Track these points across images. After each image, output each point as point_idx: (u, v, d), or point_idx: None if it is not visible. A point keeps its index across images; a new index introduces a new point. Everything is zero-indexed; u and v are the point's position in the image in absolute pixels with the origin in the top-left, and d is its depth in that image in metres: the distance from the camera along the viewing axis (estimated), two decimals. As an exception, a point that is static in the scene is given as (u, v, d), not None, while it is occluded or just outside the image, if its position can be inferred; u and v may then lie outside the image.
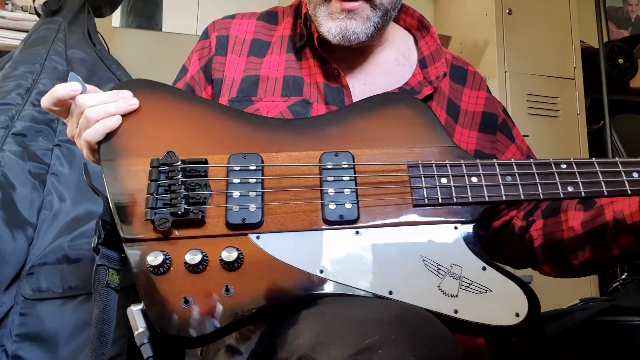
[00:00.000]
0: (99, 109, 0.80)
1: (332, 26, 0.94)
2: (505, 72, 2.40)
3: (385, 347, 0.56)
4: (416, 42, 1.10)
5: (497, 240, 1.05)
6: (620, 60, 2.73)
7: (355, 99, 0.98)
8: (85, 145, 0.80)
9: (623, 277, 1.86)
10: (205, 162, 0.76)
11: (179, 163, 0.75)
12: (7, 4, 1.94)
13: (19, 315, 1.29)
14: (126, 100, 0.82)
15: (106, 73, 1.68)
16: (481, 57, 2.51)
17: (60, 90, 0.82)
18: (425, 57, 1.06)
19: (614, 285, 1.70)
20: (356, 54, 1.04)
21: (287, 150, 0.79)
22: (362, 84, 1.02)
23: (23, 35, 1.79)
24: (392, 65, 1.06)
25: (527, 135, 2.30)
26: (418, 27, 1.12)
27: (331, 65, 0.99)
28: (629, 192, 0.76)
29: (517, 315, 0.67)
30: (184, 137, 0.80)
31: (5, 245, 1.29)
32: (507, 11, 2.45)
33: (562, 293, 2.18)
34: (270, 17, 1.10)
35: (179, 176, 0.74)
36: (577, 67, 2.51)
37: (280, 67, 1.02)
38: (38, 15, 1.76)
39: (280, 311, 0.71)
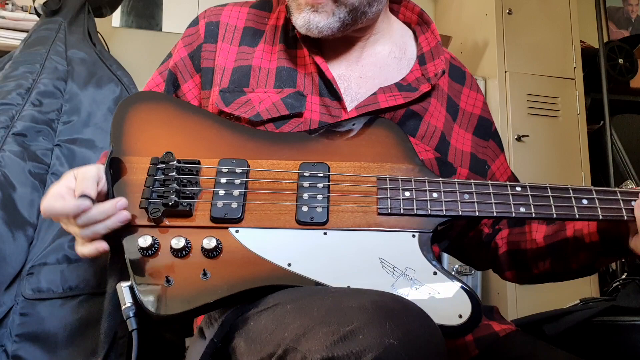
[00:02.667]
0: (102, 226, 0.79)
1: (298, 17, 0.95)
2: (505, 72, 2.40)
3: (364, 332, 0.58)
4: (416, 38, 1.09)
5: (464, 244, 1.09)
6: (621, 60, 2.73)
7: (352, 92, 0.98)
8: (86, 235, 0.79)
9: (623, 277, 1.86)
10: (198, 163, 0.86)
11: (174, 162, 0.84)
12: (7, 4, 1.94)
13: (19, 315, 1.29)
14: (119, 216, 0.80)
15: (106, 73, 1.68)
16: (481, 57, 2.51)
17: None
18: (425, 53, 1.05)
19: (614, 285, 1.70)
20: (347, 44, 1.02)
21: (272, 158, 0.87)
22: (358, 77, 1.01)
23: (23, 35, 1.78)
24: (387, 57, 1.04)
25: (527, 135, 2.32)
26: (418, 22, 1.10)
27: (319, 57, 0.98)
28: (577, 216, 0.83)
29: (460, 317, 0.74)
30: (182, 141, 0.89)
31: (5, 245, 1.29)
32: (507, 11, 2.45)
33: (562, 293, 2.17)
34: (264, 4, 1.08)
35: (174, 173, 0.83)
36: (577, 67, 2.51)
37: (273, 57, 1.01)
38: (38, 15, 1.76)
39: (250, 298, 0.77)
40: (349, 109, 0.96)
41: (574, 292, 2.16)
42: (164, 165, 0.84)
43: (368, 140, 0.91)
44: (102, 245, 0.79)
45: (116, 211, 0.78)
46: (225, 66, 1.00)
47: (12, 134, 1.40)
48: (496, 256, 1.04)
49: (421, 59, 1.05)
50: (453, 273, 0.84)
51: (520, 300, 2.18)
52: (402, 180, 0.84)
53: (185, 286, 0.76)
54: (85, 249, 0.79)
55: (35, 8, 1.78)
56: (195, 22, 1.06)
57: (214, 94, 0.99)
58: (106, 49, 1.90)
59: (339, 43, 1.02)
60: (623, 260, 2.13)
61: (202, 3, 2.51)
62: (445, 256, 1.97)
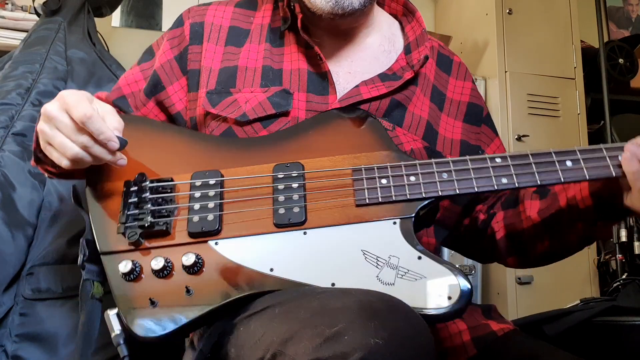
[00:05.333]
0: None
1: None
2: (506, 72, 2.39)
3: (349, 333, 0.58)
4: (402, 29, 1.08)
5: (464, 234, 1.07)
6: (621, 60, 2.73)
7: (340, 88, 0.97)
8: (82, 156, 0.78)
9: (623, 277, 1.86)
10: (171, 180, 0.85)
11: (147, 183, 0.84)
12: (7, 3, 1.94)
13: (19, 315, 1.29)
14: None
15: (106, 73, 1.68)
16: (481, 57, 2.51)
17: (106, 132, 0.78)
18: (411, 42, 1.04)
19: (615, 285, 1.70)
20: (340, 37, 1.02)
21: (246, 164, 0.86)
22: (347, 72, 1.00)
23: (23, 35, 1.78)
24: (377, 51, 1.04)
25: (528, 135, 2.31)
26: (404, 12, 1.10)
27: (313, 50, 0.97)
28: (563, 179, 0.80)
29: (450, 298, 0.72)
30: (153, 161, 0.89)
31: (5, 245, 1.29)
32: (507, 11, 2.44)
33: (562, 293, 2.17)
34: (249, 3, 1.07)
35: (147, 194, 0.83)
36: (578, 67, 2.50)
37: (259, 56, 1.00)
38: (38, 15, 1.76)
39: (237, 308, 0.76)
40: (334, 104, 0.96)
41: (574, 292, 2.16)
42: (136, 188, 0.84)
43: (340, 132, 0.89)
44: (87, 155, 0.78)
45: (115, 157, 0.80)
46: (211, 67, 0.99)
47: (11, 133, 1.40)
48: (494, 242, 1.02)
49: (407, 49, 1.04)
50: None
51: (520, 300, 2.18)
52: (377, 169, 0.83)
53: (170, 305, 0.76)
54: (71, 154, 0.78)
55: (35, 8, 1.78)
56: (179, 23, 1.05)
57: (200, 96, 0.98)
58: (106, 49, 1.90)
59: (331, 38, 1.01)
60: (623, 260, 2.13)
61: (202, 3, 2.51)
62: (446, 257, 1.97)
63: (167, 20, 2.46)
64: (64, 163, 0.79)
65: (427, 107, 1.01)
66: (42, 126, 0.80)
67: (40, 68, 1.54)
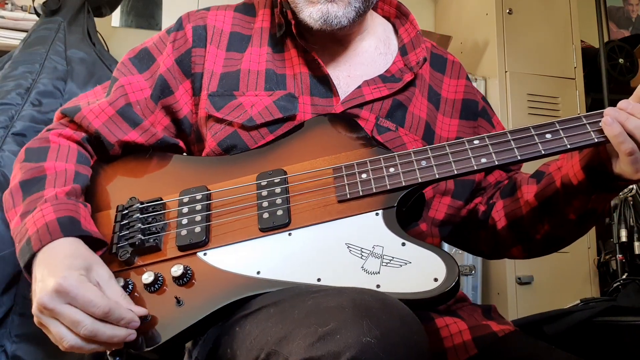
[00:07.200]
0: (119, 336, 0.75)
1: (313, 11, 0.93)
2: (506, 72, 2.40)
3: (342, 331, 0.58)
4: (396, 31, 1.10)
5: (466, 228, 1.07)
6: (621, 60, 2.73)
7: (340, 91, 0.98)
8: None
9: (624, 277, 1.86)
10: (160, 200, 0.88)
11: (137, 204, 0.87)
12: (7, 3, 1.94)
13: (19, 315, 1.29)
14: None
15: (106, 73, 1.68)
16: (481, 57, 2.51)
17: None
18: (406, 44, 1.06)
19: (615, 285, 1.70)
20: (336, 43, 1.03)
21: (231, 178, 0.88)
22: (347, 76, 1.01)
23: (23, 35, 1.78)
24: (374, 54, 1.05)
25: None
26: (397, 15, 1.11)
27: (311, 54, 0.98)
28: (543, 152, 0.79)
29: (436, 280, 0.71)
30: (144, 185, 0.92)
31: (5, 245, 1.28)
32: (508, 11, 2.45)
33: (563, 293, 2.18)
34: (247, 8, 1.08)
35: (137, 214, 0.85)
36: (578, 67, 2.51)
37: (261, 59, 1.00)
38: (37, 15, 1.76)
39: (230, 313, 0.77)
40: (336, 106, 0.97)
41: (575, 292, 2.16)
42: (127, 211, 0.86)
43: (319, 137, 0.90)
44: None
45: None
46: (213, 70, 0.99)
47: (11, 133, 1.40)
48: (497, 233, 1.02)
49: (402, 50, 1.05)
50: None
51: (520, 300, 2.18)
52: (357, 165, 0.84)
53: (162, 318, 0.77)
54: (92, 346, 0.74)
55: (34, 8, 1.78)
56: (179, 27, 1.03)
57: (203, 98, 0.98)
58: (106, 48, 1.90)
59: (328, 44, 1.02)
60: (623, 260, 2.13)
61: (201, 3, 2.51)
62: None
63: (167, 20, 2.46)
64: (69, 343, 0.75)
65: (425, 107, 1.02)
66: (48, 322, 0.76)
67: (40, 68, 1.54)
